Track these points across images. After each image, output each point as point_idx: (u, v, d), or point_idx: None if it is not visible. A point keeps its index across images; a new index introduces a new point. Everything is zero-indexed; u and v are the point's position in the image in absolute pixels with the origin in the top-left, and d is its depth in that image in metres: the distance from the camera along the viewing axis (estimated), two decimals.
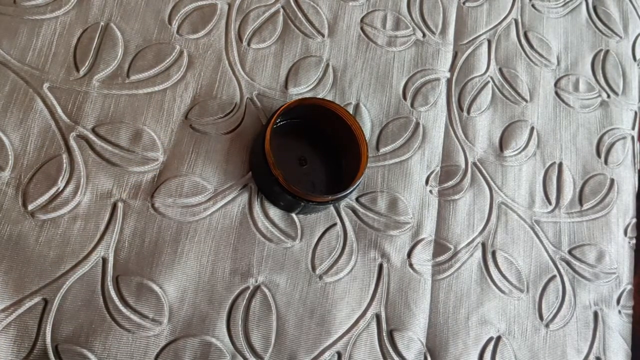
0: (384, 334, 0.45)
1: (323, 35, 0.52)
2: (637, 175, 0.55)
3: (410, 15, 0.55)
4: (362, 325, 0.45)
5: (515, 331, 0.48)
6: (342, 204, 0.48)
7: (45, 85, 0.44)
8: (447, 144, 0.52)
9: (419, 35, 0.55)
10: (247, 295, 0.44)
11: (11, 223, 0.41)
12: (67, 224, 0.42)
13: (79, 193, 0.43)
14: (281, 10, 0.52)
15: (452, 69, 0.54)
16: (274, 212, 0.46)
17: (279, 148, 0.44)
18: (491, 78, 0.55)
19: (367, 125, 0.50)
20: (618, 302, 0.50)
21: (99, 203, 0.43)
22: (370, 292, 0.46)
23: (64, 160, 0.43)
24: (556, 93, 0.56)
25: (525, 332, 0.48)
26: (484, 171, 0.51)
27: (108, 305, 0.41)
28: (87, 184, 0.43)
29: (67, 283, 0.41)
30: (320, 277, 0.46)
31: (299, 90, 0.50)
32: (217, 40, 0.50)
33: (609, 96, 0.57)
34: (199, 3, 0.51)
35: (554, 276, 0.50)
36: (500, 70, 0.55)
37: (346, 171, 0.47)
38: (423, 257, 0.48)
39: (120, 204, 0.43)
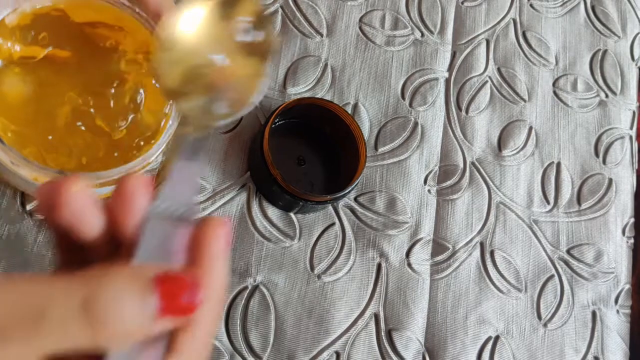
0: (383, 334, 0.45)
1: (322, 35, 0.52)
2: (635, 174, 0.55)
3: (409, 15, 0.55)
4: (360, 325, 0.45)
5: (513, 331, 0.48)
6: (341, 203, 0.48)
7: None
8: (445, 143, 0.52)
9: (418, 35, 0.55)
10: (245, 295, 0.44)
11: (9, 222, 0.41)
12: None
13: None
14: (280, 10, 0.52)
15: (450, 68, 0.54)
16: (273, 211, 0.46)
17: (278, 148, 0.44)
18: (489, 78, 0.55)
19: (366, 124, 0.50)
20: (616, 301, 0.50)
21: None
22: (369, 291, 0.46)
23: None
24: (554, 93, 0.56)
25: (523, 331, 0.48)
26: (482, 171, 0.51)
27: None
28: None
29: None
30: (319, 276, 0.46)
31: (298, 90, 0.50)
32: None
33: (607, 96, 0.57)
34: None
35: (552, 276, 0.50)
36: (498, 70, 0.55)
37: (345, 171, 0.47)
38: (421, 257, 0.48)
39: None
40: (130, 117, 0.35)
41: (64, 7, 0.35)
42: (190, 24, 0.25)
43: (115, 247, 0.21)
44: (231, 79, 0.27)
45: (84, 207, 0.20)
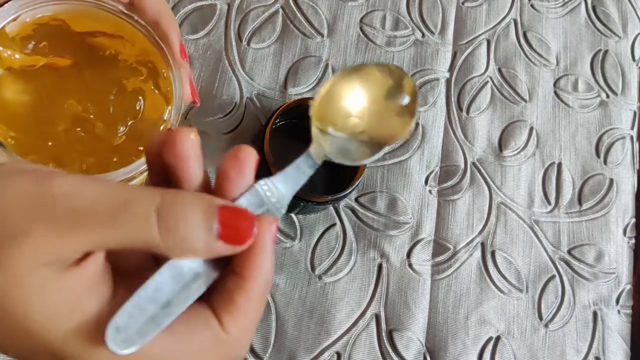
0: (384, 334, 0.45)
1: (322, 36, 0.52)
2: (636, 175, 0.55)
3: (410, 15, 0.55)
4: (361, 325, 0.45)
5: (514, 331, 0.48)
6: (342, 204, 0.48)
7: None
8: (446, 144, 0.52)
9: (418, 35, 0.55)
10: None
11: None
12: None
13: None
14: (280, 10, 0.52)
15: (451, 69, 0.54)
16: None
17: (278, 148, 0.44)
18: (490, 78, 0.55)
19: None
20: (617, 302, 0.50)
21: None
22: (370, 292, 0.46)
23: None
24: (555, 93, 0.56)
25: (524, 332, 0.48)
26: (483, 171, 0.51)
27: None
28: None
29: None
30: (320, 277, 0.46)
31: (298, 90, 0.50)
32: (216, 41, 0.50)
33: (608, 96, 0.57)
34: (199, 3, 0.51)
35: (553, 276, 0.50)
36: (499, 70, 0.55)
37: (345, 171, 0.47)
38: (422, 257, 0.48)
39: None
40: (129, 124, 0.36)
41: (64, 17, 0.35)
42: (356, 78, 0.32)
43: None
44: (364, 133, 0.32)
45: (193, 154, 0.23)
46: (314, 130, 0.31)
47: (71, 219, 0.20)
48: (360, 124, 0.32)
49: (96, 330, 0.20)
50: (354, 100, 0.32)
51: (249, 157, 0.24)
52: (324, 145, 0.31)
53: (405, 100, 0.32)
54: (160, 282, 0.21)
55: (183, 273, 0.22)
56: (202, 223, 0.21)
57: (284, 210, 0.26)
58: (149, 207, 0.20)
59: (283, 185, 0.26)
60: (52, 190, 0.20)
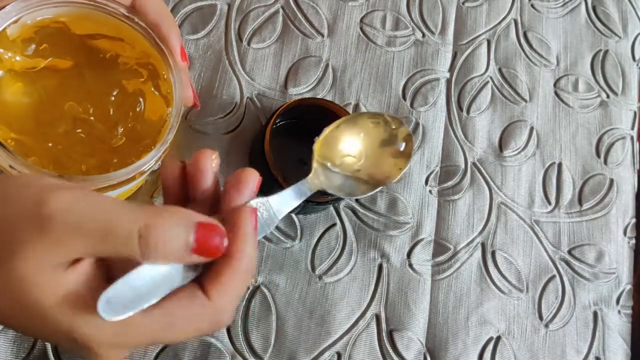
0: (384, 334, 0.45)
1: (323, 36, 0.52)
2: (636, 175, 0.55)
3: (410, 16, 0.55)
4: (361, 326, 0.45)
5: (514, 331, 0.48)
6: (342, 204, 0.48)
7: None
8: (446, 144, 0.52)
9: (419, 35, 0.55)
10: (246, 296, 0.44)
11: None
12: None
13: None
14: (281, 10, 0.52)
15: (451, 69, 0.54)
16: None
17: (279, 148, 0.44)
18: (490, 78, 0.55)
19: None
20: (617, 302, 0.50)
21: None
22: (370, 292, 0.46)
23: None
24: (555, 93, 0.56)
25: (524, 332, 0.48)
26: (483, 171, 0.51)
27: None
28: None
29: None
30: (320, 277, 0.46)
31: (299, 91, 0.50)
32: (216, 41, 0.50)
33: (608, 96, 0.57)
34: (199, 3, 0.51)
35: (554, 276, 0.50)
36: (499, 70, 0.55)
37: None
38: (423, 257, 0.48)
39: None
40: (129, 125, 0.36)
41: (65, 20, 0.35)
42: (358, 123, 0.37)
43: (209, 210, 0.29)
44: (360, 172, 0.36)
45: (210, 169, 0.29)
46: (315, 164, 0.35)
47: (63, 232, 0.23)
48: (356, 163, 0.37)
49: (91, 309, 0.24)
50: (353, 143, 0.37)
51: (250, 178, 0.29)
52: (321, 177, 0.35)
53: (401, 146, 0.37)
54: (149, 270, 0.25)
55: (169, 266, 0.26)
56: (179, 243, 0.25)
57: (273, 227, 0.29)
58: (132, 229, 0.24)
59: (277, 205, 0.30)
60: (50, 206, 0.24)
